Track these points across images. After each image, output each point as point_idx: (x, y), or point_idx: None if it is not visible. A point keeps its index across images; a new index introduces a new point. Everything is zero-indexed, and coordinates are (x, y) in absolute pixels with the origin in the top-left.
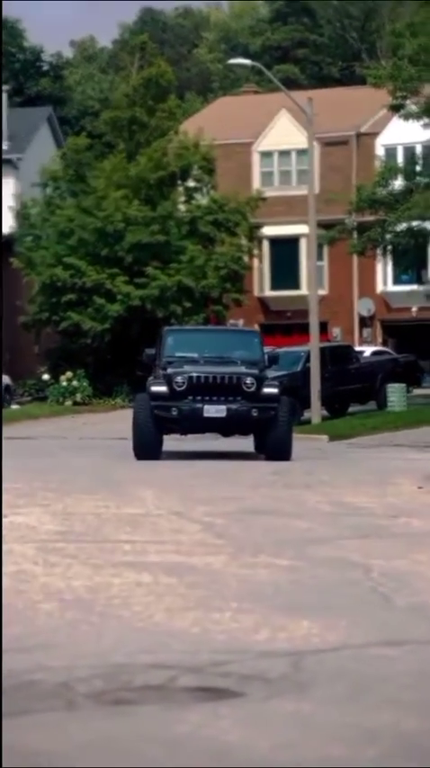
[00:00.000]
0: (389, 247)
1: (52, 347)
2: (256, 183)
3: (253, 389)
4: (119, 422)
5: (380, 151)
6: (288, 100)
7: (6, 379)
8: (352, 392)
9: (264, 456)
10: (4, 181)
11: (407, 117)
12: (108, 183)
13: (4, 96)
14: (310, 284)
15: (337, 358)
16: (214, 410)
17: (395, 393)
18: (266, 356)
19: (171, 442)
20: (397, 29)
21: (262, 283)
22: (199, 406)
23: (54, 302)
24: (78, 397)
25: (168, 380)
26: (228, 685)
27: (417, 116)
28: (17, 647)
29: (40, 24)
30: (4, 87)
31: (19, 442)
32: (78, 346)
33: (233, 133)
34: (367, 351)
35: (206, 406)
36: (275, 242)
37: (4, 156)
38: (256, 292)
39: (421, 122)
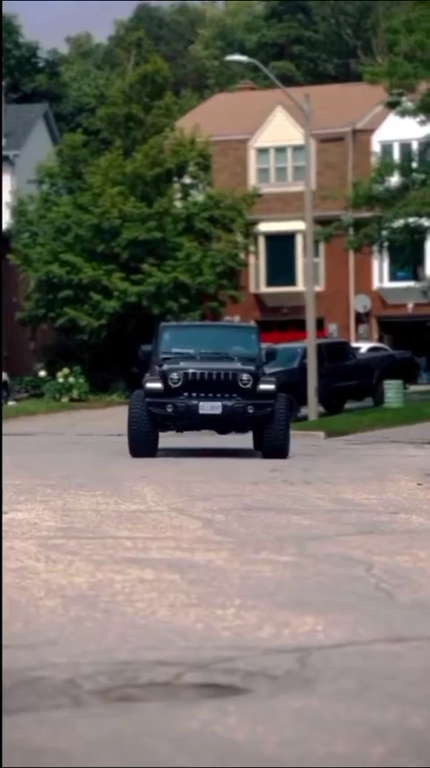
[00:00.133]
0: (386, 244)
1: (48, 344)
2: (252, 179)
3: (249, 386)
4: (115, 418)
5: (376, 147)
6: (284, 96)
7: (3, 376)
8: (348, 389)
9: (261, 453)
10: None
11: (403, 114)
12: (104, 179)
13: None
14: (307, 281)
15: (334, 354)
16: (209, 407)
17: (392, 389)
18: (264, 352)
19: (168, 439)
20: (393, 25)
21: (258, 280)
22: (194, 402)
23: (50, 299)
24: (75, 393)
25: (163, 377)
26: (233, 682)
27: (414, 113)
28: (21, 644)
29: (36, 21)
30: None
31: (17, 438)
32: (75, 343)
33: (229, 130)
34: (363, 347)
35: (201, 403)
36: (271, 238)
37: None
38: (252, 289)
39: (417, 119)
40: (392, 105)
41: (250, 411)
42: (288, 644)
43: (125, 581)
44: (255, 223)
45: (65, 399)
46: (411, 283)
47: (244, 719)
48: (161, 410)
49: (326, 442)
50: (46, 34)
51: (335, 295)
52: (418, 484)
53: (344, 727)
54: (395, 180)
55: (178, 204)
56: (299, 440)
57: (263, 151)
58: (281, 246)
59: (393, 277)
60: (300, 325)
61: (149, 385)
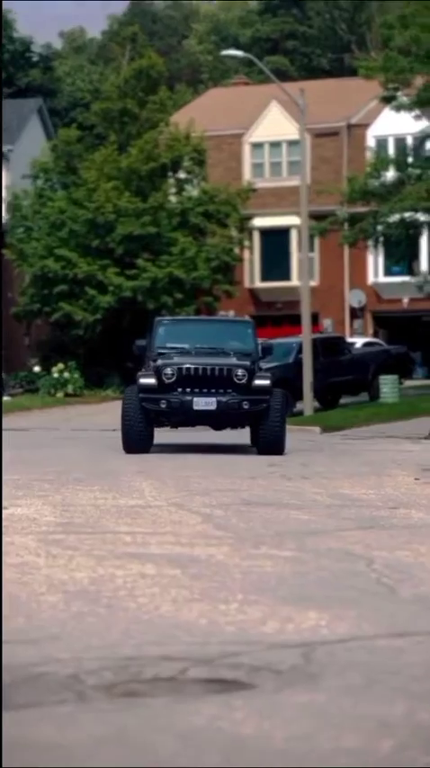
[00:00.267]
0: (381, 239)
1: (43, 339)
2: (247, 174)
3: (244, 381)
4: (110, 413)
5: (370, 142)
6: (278, 91)
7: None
8: (344, 384)
9: (256, 450)
10: None
11: (398, 108)
12: (99, 174)
13: None
14: (302, 275)
15: (329, 349)
16: (204, 402)
17: (387, 384)
18: (260, 347)
19: (164, 435)
20: (388, 20)
21: (252, 275)
22: (188, 398)
23: (45, 294)
24: (70, 388)
25: (157, 372)
26: (238, 677)
27: (409, 107)
28: (23, 640)
29: (30, 15)
30: None
31: (13, 433)
32: (70, 338)
33: (223, 124)
34: (358, 342)
35: (196, 399)
36: (266, 233)
37: None
38: (247, 284)
39: (412, 114)
40: (387, 100)
41: (245, 407)
42: (292, 639)
43: (126, 576)
44: (249, 218)
45: (60, 394)
46: (406, 278)
47: (250, 715)
48: (155, 406)
49: (321, 437)
50: (40, 29)
51: (330, 290)
52: (416, 479)
53: (351, 722)
54: (390, 175)
55: (173, 199)
56: (294, 435)
57: (257, 146)
58: (275, 241)
59: (388, 272)
60: (294, 320)
61: (143, 380)
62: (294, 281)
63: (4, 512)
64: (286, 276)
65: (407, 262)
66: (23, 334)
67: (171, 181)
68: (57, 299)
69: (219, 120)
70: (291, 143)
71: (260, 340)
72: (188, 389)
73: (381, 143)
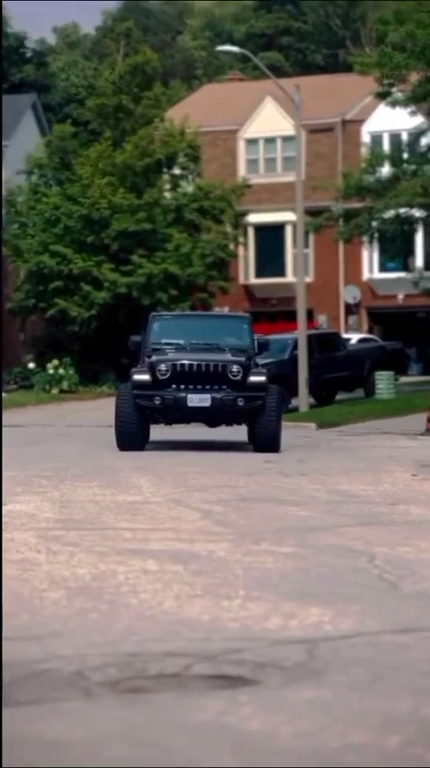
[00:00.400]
0: (376, 235)
1: (38, 335)
2: (242, 170)
3: (239, 378)
4: (105, 409)
5: (365, 138)
6: (273, 87)
7: None
8: (339, 380)
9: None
10: None
11: (393, 104)
12: (94, 170)
13: None
14: (298, 272)
15: (325, 345)
16: (198, 399)
17: (383, 381)
18: (256, 343)
19: (161, 431)
20: (383, 16)
21: (247, 271)
22: (182, 395)
23: (41, 289)
24: (65, 384)
25: (151, 368)
26: (243, 673)
27: (404, 103)
28: (27, 636)
29: (23, 10)
30: None
31: (8, 429)
32: (65, 334)
33: (218, 120)
34: (353, 338)
35: (190, 395)
36: (260, 229)
37: None
38: (241, 280)
39: (408, 110)
40: (383, 96)
41: (240, 403)
42: (295, 635)
43: (128, 572)
44: (244, 214)
45: (55, 391)
46: (401, 274)
47: (256, 710)
48: (148, 402)
49: (317, 433)
50: (33, 24)
51: (325, 286)
52: (414, 475)
53: (357, 718)
54: (385, 170)
55: (168, 195)
56: (290, 431)
57: (252, 142)
58: (270, 237)
59: (383, 268)
60: (289, 317)
61: (137, 377)
62: (289, 278)
63: (3, 508)
64: (281, 272)
65: (402, 258)
66: (18, 330)
67: (166, 177)
68: (52, 295)
69: (214, 116)
70: (286, 139)
71: (256, 336)
72: (182, 386)
73: (376, 139)
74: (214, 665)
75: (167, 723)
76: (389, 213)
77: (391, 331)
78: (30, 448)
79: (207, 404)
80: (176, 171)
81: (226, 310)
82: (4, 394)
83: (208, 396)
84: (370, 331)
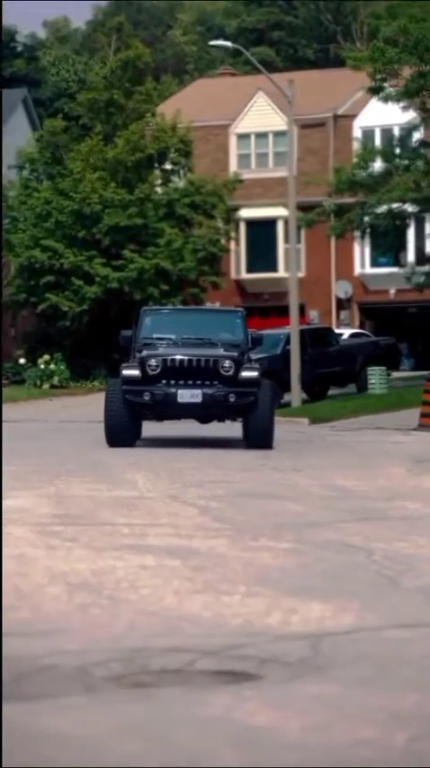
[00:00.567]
0: (368, 230)
1: (29, 330)
2: (233, 165)
3: (231, 373)
4: (96, 405)
5: (357, 133)
6: (264, 82)
7: None
8: (332, 375)
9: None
10: None
11: (386, 99)
12: (85, 165)
13: None
14: (290, 267)
15: (317, 340)
16: (189, 395)
17: (375, 376)
18: (250, 338)
19: (157, 428)
20: (376, 11)
21: (238, 266)
22: (173, 390)
23: (32, 284)
24: (56, 380)
25: (141, 364)
26: (247, 669)
27: (397, 98)
28: (30, 632)
29: (13, 4)
30: None
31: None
32: (56, 329)
33: (210, 115)
34: (345, 333)
35: (180, 391)
36: (252, 224)
37: None
38: (233, 275)
39: (400, 105)
40: (375, 91)
41: (232, 399)
42: (297, 631)
43: (127, 568)
44: (235, 209)
45: (46, 386)
46: (393, 269)
47: (262, 706)
48: (138, 398)
49: (310, 428)
50: (23, 18)
51: (317, 281)
52: (408, 470)
53: (364, 713)
54: (378, 165)
55: (159, 190)
56: (283, 426)
57: (243, 137)
58: (261, 232)
59: (375, 263)
60: (281, 312)
61: (126, 372)
62: (280, 273)
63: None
64: (272, 267)
65: (394, 253)
66: (9, 325)
67: (157, 172)
68: (43, 290)
69: (206, 111)
70: (278, 134)
71: (250, 331)
72: (173, 381)
73: (368, 134)
74: (217, 660)
75: (173, 718)
76: (382, 208)
77: (383, 326)
78: (23, 443)
79: (198, 400)
80: (168, 166)
81: (217, 306)
82: None
83: (199, 391)
84: (361, 326)
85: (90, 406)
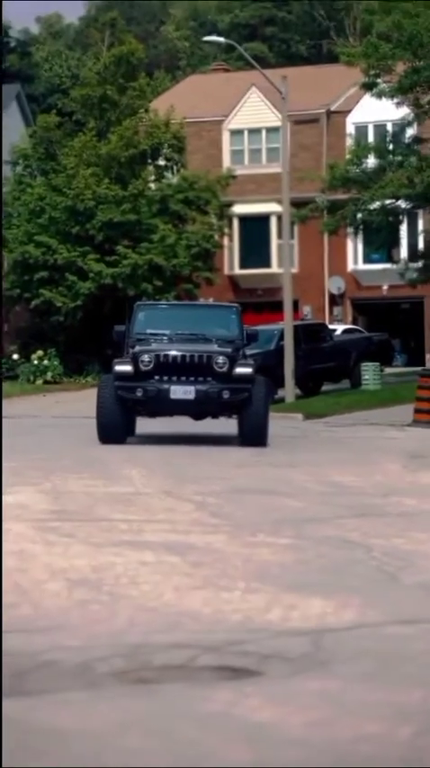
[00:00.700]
0: (361, 226)
1: (22, 326)
2: (227, 161)
3: (224, 369)
4: (90, 400)
5: (350, 129)
6: (258, 78)
7: None
8: (325, 371)
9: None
10: None
11: (380, 95)
12: (78, 161)
13: None
14: (284, 263)
15: (311, 336)
16: (182, 391)
17: (369, 371)
18: (245, 333)
19: (152, 424)
20: (369, 6)
21: (232, 262)
22: (166, 386)
23: (26, 279)
24: (49, 375)
25: (134, 359)
26: (248, 664)
27: (390, 94)
28: (31, 628)
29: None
30: None
31: None
32: (49, 325)
33: (203, 111)
34: (339, 329)
35: (173, 387)
36: (245, 220)
37: None
38: (226, 270)
39: (394, 101)
40: (369, 87)
41: (225, 396)
42: (298, 626)
43: (126, 564)
44: (229, 205)
45: (39, 382)
46: (386, 265)
47: (266, 701)
48: (130, 394)
49: (305, 424)
50: (16, 14)
51: (310, 277)
52: (404, 466)
53: (367, 709)
54: (371, 162)
55: (152, 186)
56: (277, 422)
57: (237, 133)
58: (255, 228)
59: (367, 259)
60: (274, 307)
61: (119, 368)
62: (274, 268)
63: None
64: (266, 263)
65: (387, 249)
66: (3, 320)
67: (150, 168)
68: (37, 286)
69: (199, 106)
70: (271, 130)
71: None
72: (166, 377)
73: (361, 130)
74: (219, 656)
75: (176, 713)
76: (375, 204)
77: (376, 322)
78: (18, 439)
79: (191, 396)
80: (161, 162)
81: (210, 301)
82: None
83: (192, 388)
84: (354, 322)
85: (83, 402)
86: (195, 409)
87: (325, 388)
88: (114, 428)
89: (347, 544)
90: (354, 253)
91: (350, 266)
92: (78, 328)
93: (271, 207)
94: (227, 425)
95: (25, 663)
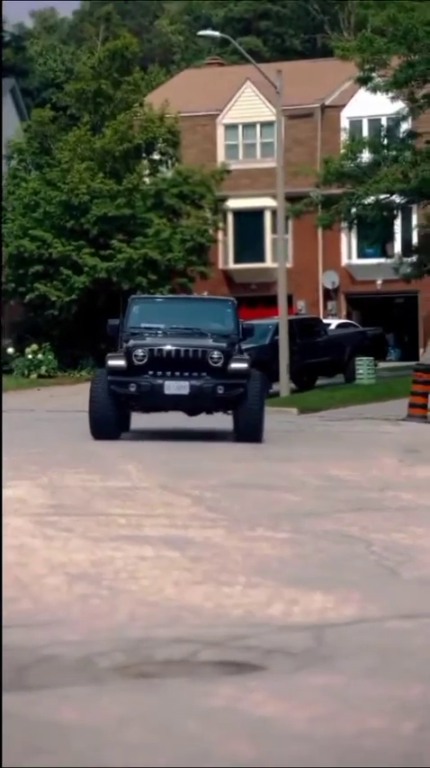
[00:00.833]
0: (356, 221)
1: (16, 320)
2: (221, 155)
3: (220, 364)
4: (85, 394)
5: (344, 124)
6: (252, 72)
7: None
8: (320, 365)
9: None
10: None
11: (375, 90)
12: (73, 155)
13: None
14: (279, 257)
15: (305, 331)
16: (176, 387)
17: (363, 366)
18: (241, 328)
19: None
20: (365, 1)
21: (226, 256)
22: (159, 382)
23: (21, 273)
24: (43, 369)
25: (128, 354)
26: (251, 659)
27: (385, 89)
28: (31, 622)
29: None
30: None
31: None
32: (44, 319)
33: (197, 106)
34: (333, 324)
35: (167, 383)
36: (239, 215)
37: None
38: (221, 265)
39: (389, 95)
40: (363, 81)
41: (220, 391)
42: (300, 621)
43: (126, 558)
44: (223, 199)
45: (33, 376)
46: (380, 260)
47: (269, 696)
48: (123, 389)
49: (299, 418)
50: (10, 8)
51: (304, 271)
52: (400, 460)
53: (371, 704)
54: (366, 156)
55: (147, 180)
56: (272, 416)
57: (231, 127)
58: (249, 223)
59: (361, 253)
60: (268, 302)
61: (112, 362)
62: (268, 263)
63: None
64: (260, 258)
65: (381, 243)
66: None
67: (145, 162)
68: (32, 280)
69: (193, 101)
70: (265, 124)
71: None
72: (160, 372)
73: (355, 124)
74: (221, 650)
75: (179, 708)
76: (369, 199)
77: (369, 316)
78: (14, 433)
79: (185, 391)
80: (156, 156)
81: (205, 294)
82: None
83: (186, 383)
84: (348, 316)
85: (78, 396)
86: (189, 405)
87: (319, 382)
88: (107, 424)
89: (346, 539)
90: (349, 247)
91: (344, 261)
92: (73, 322)
93: (265, 201)
94: (222, 421)
95: (26, 657)
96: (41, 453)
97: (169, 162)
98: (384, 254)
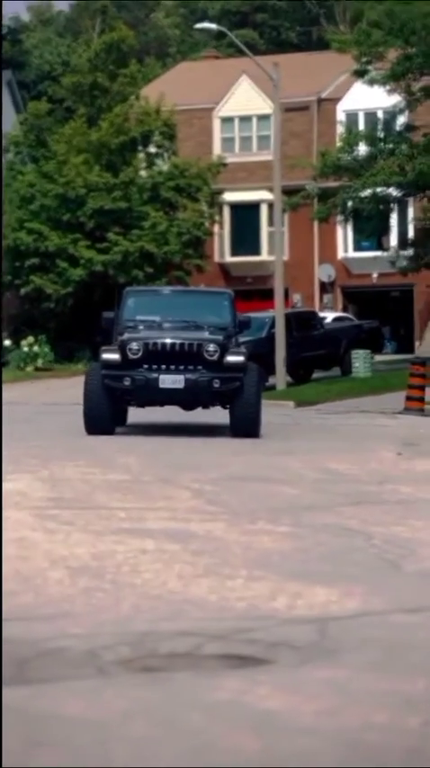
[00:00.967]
0: (352, 214)
1: (13, 312)
2: (217, 148)
3: (215, 358)
4: (81, 387)
5: (341, 117)
6: (248, 65)
7: None
8: (316, 358)
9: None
10: None
11: (371, 83)
12: (69, 147)
13: None
14: (276, 250)
15: (302, 324)
16: (171, 380)
17: (359, 359)
18: (238, 320)
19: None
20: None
21: (222, 249)
22: (154, 375)
23: (17, 266)
24: (40, 362)
25: (122, 347)
26: (255, 653)
27: (382, 82)
28: (34, 616)
29: None
30: None
31: None
32: (40, 311)
33: (194, 98)
34: (329, 317)
35: (162, 376)
36: (236, 208)
37: None
38: (217, 258)
39: (386, 88)
40: (360, 74)
41: (216, 385)
42: (304, 615)
43: (127, 551)
44: (219, 192)
45: (30, 368)
46: (376, 253)
47: (274, 690)
48: (118, 383)
49: (296, 411)
50: (7, 2)
51: (300, 264)
52: (398, 453)
53: (375, 698)
54: (363, 149)
55: (143, 173)
56: (269, 409)
57: (227, 120)
58: (245, 216)
59: (357, 247)
60: (264, 295)
61: (106, 356)
62: (264, 256)
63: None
64: (256, 251)
65: (377, 237)
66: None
67: (141, 155)
68: (28, 272)
69: (189, 94)
70: (261, 117)
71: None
72: (155, 366)
73: (351, 117)
74: (226, 644)
75: (184, 702)
76: (366, 192)
77: (366, 310)
78: (13, 426)
79: (180, 385)
80: (152, 149)
81: (201, 287)
82: None
83: (181, 377)
84: (344, 310)
85: (74, 389)
86: (185, 399)
87: (315, 375)
88: (101, 418)
89: (346, 532)
90: (345, 241)
91: (340, 254)
92: (69, 315)
93: (261, 195)
94: (219, 415)
95: (30, 651)
96: (42, 446)
97: (165, 155)
98: (380, 247)
